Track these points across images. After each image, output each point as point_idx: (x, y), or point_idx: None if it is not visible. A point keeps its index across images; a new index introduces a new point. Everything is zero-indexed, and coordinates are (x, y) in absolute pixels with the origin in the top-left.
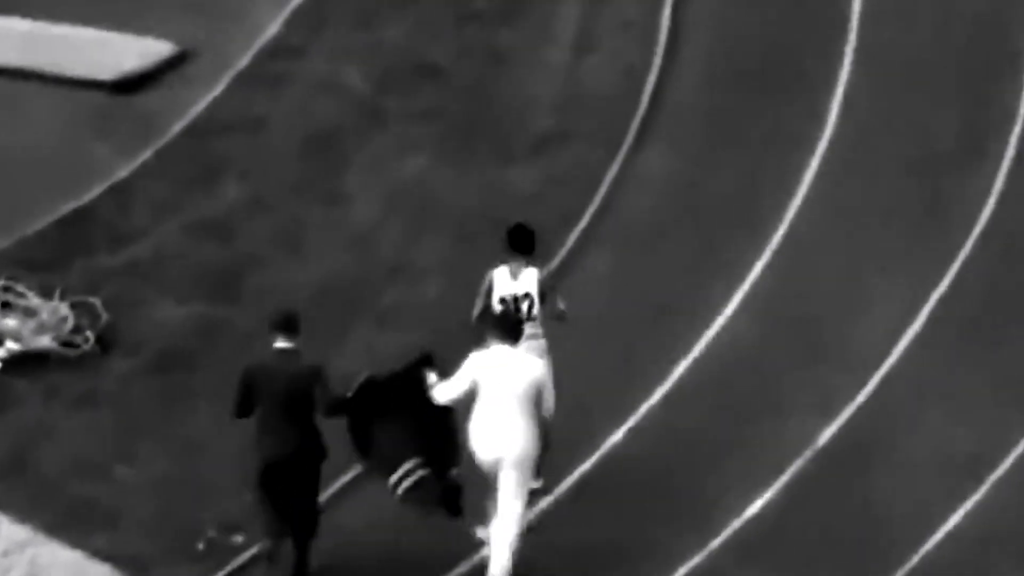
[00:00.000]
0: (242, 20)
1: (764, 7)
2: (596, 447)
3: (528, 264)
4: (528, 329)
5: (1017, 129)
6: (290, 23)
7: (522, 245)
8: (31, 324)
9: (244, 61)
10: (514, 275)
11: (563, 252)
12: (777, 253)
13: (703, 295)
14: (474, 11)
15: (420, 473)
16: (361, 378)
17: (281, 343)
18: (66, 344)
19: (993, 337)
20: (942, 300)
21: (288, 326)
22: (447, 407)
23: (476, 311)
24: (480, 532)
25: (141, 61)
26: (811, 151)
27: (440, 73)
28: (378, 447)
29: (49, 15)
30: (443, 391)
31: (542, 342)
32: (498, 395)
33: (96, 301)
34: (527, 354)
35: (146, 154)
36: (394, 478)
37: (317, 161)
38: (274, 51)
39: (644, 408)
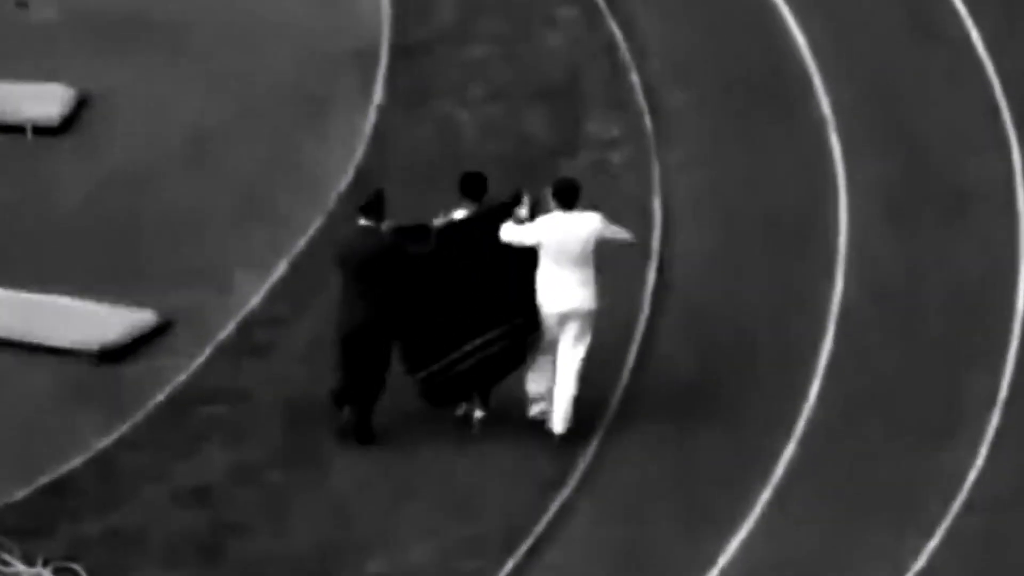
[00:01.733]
0: (225, 291)
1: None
2: None
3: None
4: None
5: None
6: (273, 294)
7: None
8: None
9: (227, 331)
10: None
11: None
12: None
13: None
14: None
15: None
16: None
17: (362, 220)
18: None
19: None
20: None
21: (369, 207)
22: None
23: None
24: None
25: (125, 331)
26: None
27: None
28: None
29: (33, 285)
30: (512, 232)
31: None
32: (560, 254)
33: (79, 568)
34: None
35: (130, 423)
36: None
37: (300, 429)
38: (257, 321)
39: None
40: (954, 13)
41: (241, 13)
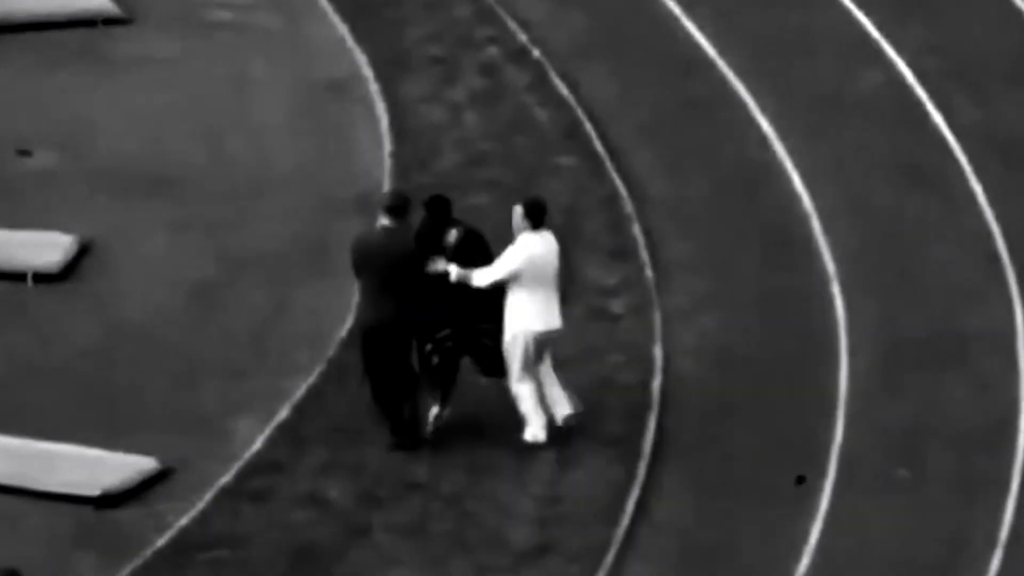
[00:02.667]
0: (225, 437)
1: (753, 419)
2: None
3: None
4: None
5: None
6: (273, 439)
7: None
8: None
9: (227, 477)
10: None
11: None
12: None
13: None
14: (452, 428)
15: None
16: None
17: (385, 221)
18: None
19: None
20: None
21: (394, 209)
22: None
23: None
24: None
25: (124, 477)
26: None
27: (421, 487)
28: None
29: (33, 432)
30: (497, 270)
31: None
32: (539, 275)
33: None
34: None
35: (129, 568)
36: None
37: (301, 575)
38: (257, 467)
39: None
40: (955, 161)
41: (242, 163)
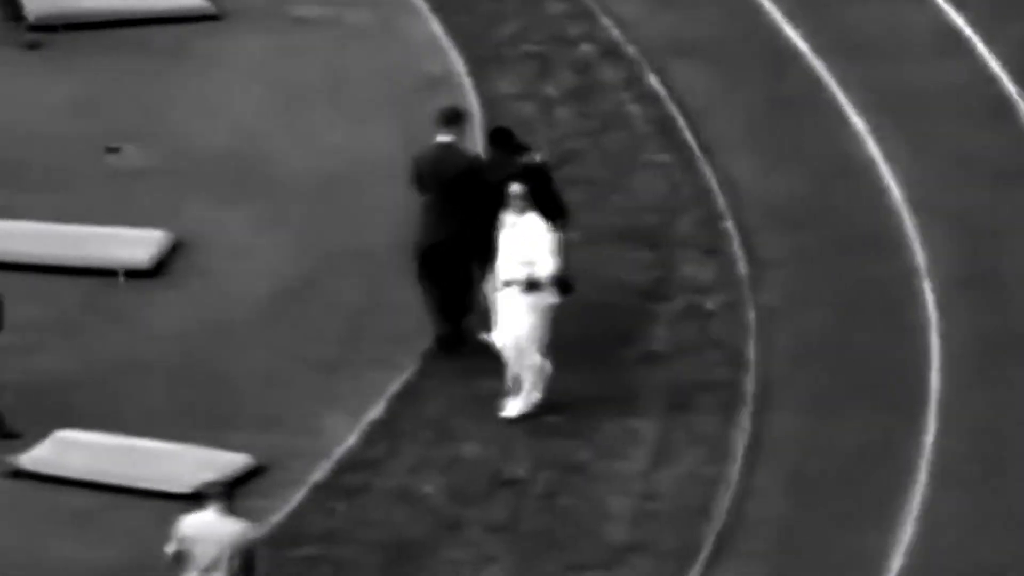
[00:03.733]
0: (319, 433)
1: (846, 418)
2: None
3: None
4: None
5: None
6: (366, 436)
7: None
8: None
9: (321, 473)
10: None
11: None
12: None
13: None
14: (548, 425)
15: None
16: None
17: (442, 136)
18: None
19: None
20: None
21: (449, 119)
22: None
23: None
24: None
25: (218, 474)
26: None
27: (516, 484)
28: None
29: (127, 429)
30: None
31: None
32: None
33: None
34: None
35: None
36: None
37: (394, 572)
38: (350, 463)
39: None
40: None
41: (334, 159)
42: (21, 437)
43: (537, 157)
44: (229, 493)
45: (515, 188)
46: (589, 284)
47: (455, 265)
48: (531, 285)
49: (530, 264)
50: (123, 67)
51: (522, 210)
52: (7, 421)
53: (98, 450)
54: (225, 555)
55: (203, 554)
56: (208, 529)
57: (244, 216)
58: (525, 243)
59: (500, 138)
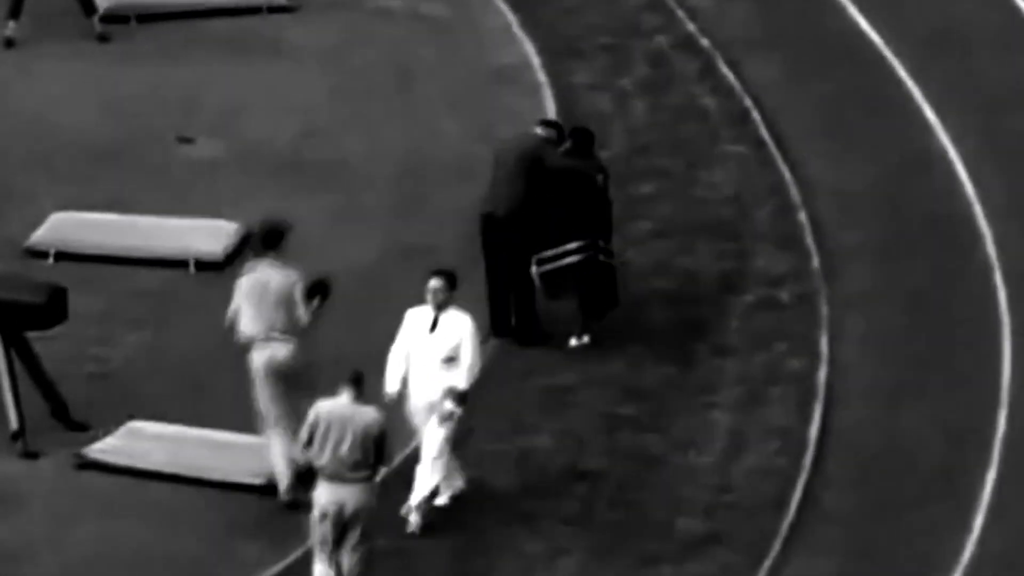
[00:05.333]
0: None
1: (917, 410)
2: None
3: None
4: None
5: None
6: None
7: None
8: None
9: (393, 465)
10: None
11: None
12: None
13: None
14: (621, 418)
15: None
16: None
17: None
18: None
19: None
20: None
21: (546, 122)
22: None
23: None
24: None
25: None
26: None
27: (589, 476)
28: None
29: (198, 420)
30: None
31: None
32: None
33: None
34: None
35: (293, 557)
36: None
37: (467, 565)
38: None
39: None
40: None
41: (406, 151)
42: (89, 429)
43: (599, 178)
44: (360, 381)
45: (434, 283)
46: (663, 276)
47: (510, 238)
48: (460, 398)
49: (449, 362)
50: (195, 58)
51: (442, 305)
52: (76, 413)
53: (170, 441)
54: (357, 439)
55: (336, 436)
56: (341, 412)
57: (315, 207)
58: (446, 342)
59: (579, 137)
